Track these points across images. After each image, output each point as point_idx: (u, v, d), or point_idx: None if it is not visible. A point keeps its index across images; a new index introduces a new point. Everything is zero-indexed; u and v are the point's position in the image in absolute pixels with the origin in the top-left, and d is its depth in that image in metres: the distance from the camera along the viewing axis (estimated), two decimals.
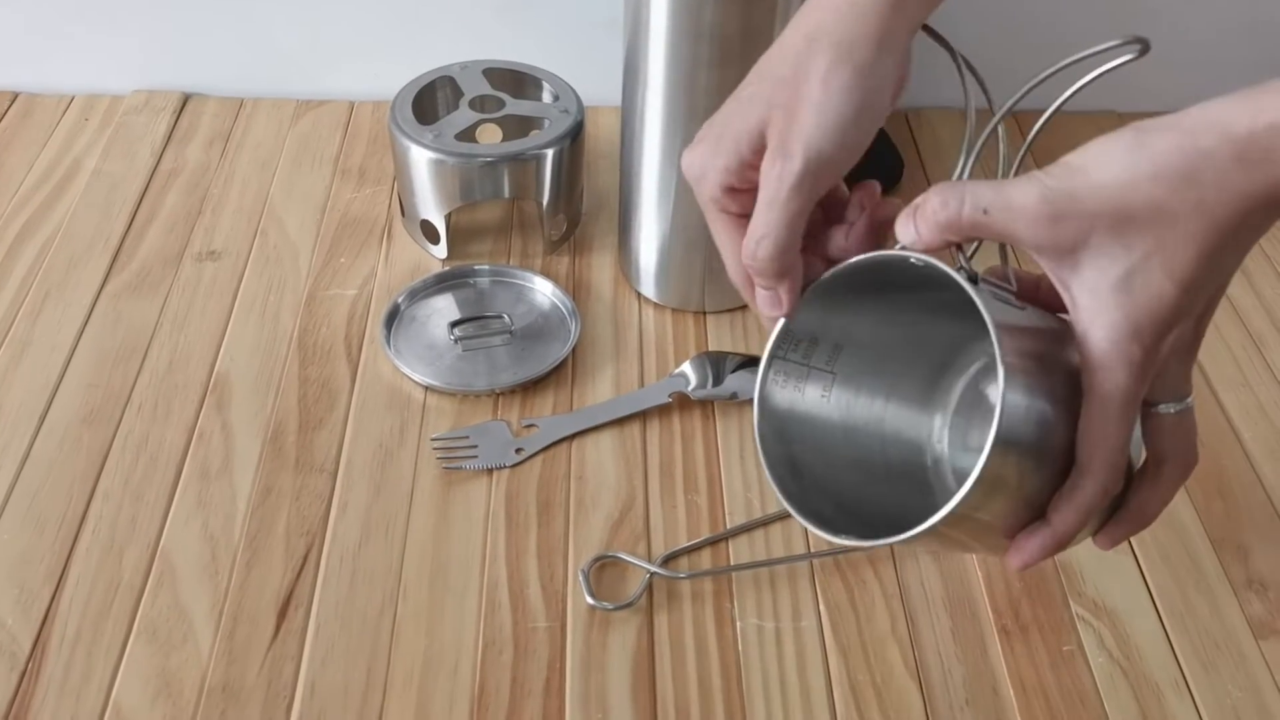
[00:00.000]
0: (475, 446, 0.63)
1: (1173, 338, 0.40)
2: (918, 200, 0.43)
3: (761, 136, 0.45)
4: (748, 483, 0.62)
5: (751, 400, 0.47)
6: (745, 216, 0.46)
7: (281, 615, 0.55)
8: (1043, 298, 0.44)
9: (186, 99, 0.88)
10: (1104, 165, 0.39)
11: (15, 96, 0.87)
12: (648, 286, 0.72)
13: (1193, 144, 0.38)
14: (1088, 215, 0.39)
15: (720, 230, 0.48)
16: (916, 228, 0.42)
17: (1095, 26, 0.87)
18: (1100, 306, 0.39)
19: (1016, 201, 0.40)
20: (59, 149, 0.83)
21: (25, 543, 0.57)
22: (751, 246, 0.45)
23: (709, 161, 0.46)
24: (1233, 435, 0.65)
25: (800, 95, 0.44)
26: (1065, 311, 0.41)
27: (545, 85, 0.76)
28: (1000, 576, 0.58)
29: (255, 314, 0.70)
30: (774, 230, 0.44)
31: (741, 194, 0.47)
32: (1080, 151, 0.40)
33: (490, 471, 0.62)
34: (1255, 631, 0.56)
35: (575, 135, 0.72)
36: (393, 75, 0.77)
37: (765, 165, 0.45)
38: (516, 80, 0.77)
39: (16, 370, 0.66)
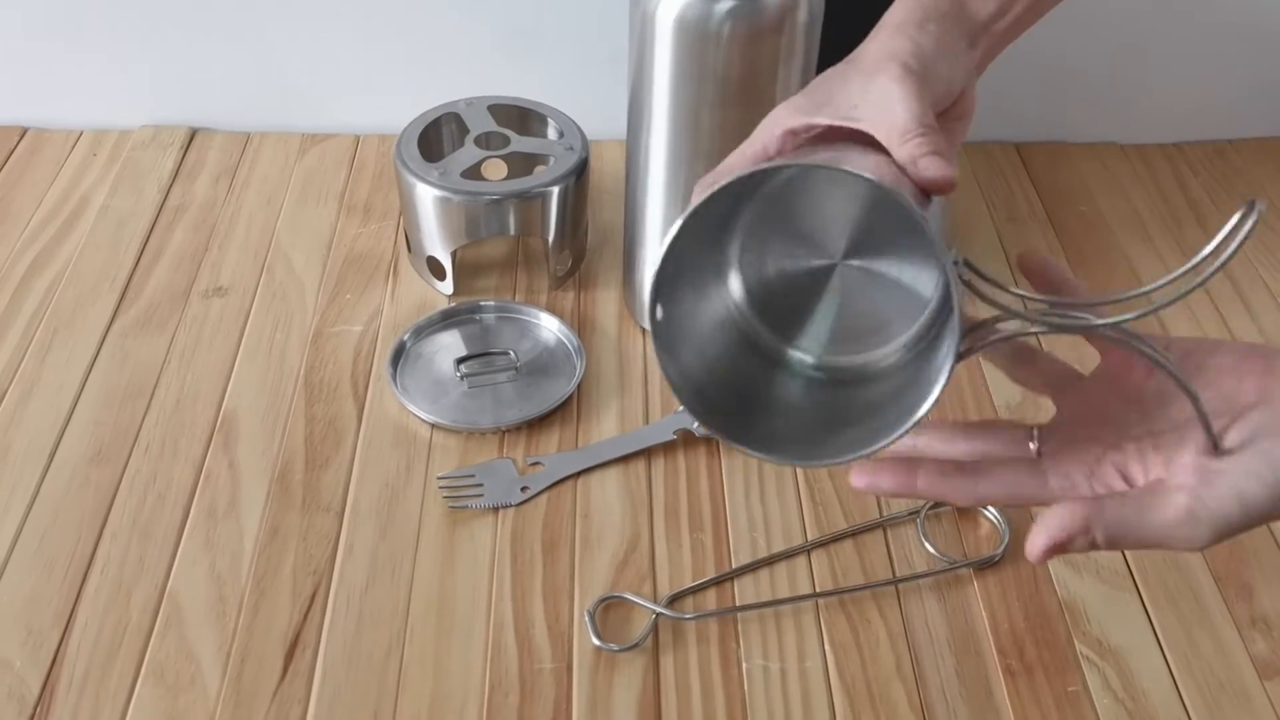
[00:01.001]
0: (481, 485, 0.63)
1: None
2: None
3: (836, 91, 0.48)
4: (753, 521, 0.62)
5: None
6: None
7: (289, 656, 0.55)
8: None
9: (193, 133, 0.88)
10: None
11: (24, 132, 0.88)
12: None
13: None
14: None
15: (749, 156, 0.49)
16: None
17: (1094, 52, 0.88)
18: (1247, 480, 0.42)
19: (1156, 529, 0.42)
20: (67, 184, 0.83)
21: (34, 583, 0.58)
22: (916, 123, 0.46)
23: (777, 113, 0.49)
24: None
25: (874, 61, 0.48)
26: None
27: (550, 122, 0.77)
28: (1005, 616, 0.58)
29: (262, 351, 0.71)
30: (915, 108, 0.46)
31: (796, 137, 0.48)
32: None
33: (496, 510, 0.62)
34: (1260, 670, 0.56)
35: (580, 172, 0.73)
36: (398, 109, 0.77)
37: (876, 91, 0.47)
38: (522, 117, 0.77)
39: (25, 409, 0.66)
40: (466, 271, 0.76)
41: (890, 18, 0.51)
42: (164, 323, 0.72)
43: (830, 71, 0.50)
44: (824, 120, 0.48)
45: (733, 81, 0.62)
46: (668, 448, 0.65)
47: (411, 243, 0.75)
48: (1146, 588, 0.59)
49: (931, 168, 0.45)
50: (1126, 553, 0.61)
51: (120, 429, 0.66)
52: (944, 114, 0.49)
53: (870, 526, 0.62)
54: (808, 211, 0.48)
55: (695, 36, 0.61)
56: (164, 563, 0.59)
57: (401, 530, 0.61)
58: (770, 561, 0.60)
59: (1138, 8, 0.86)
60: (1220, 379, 0.44)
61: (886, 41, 0.49)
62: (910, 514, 0.62)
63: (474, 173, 0.73)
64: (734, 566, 0.60)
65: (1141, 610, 0.58)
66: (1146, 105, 0.90)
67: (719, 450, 0.66)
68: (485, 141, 0.75)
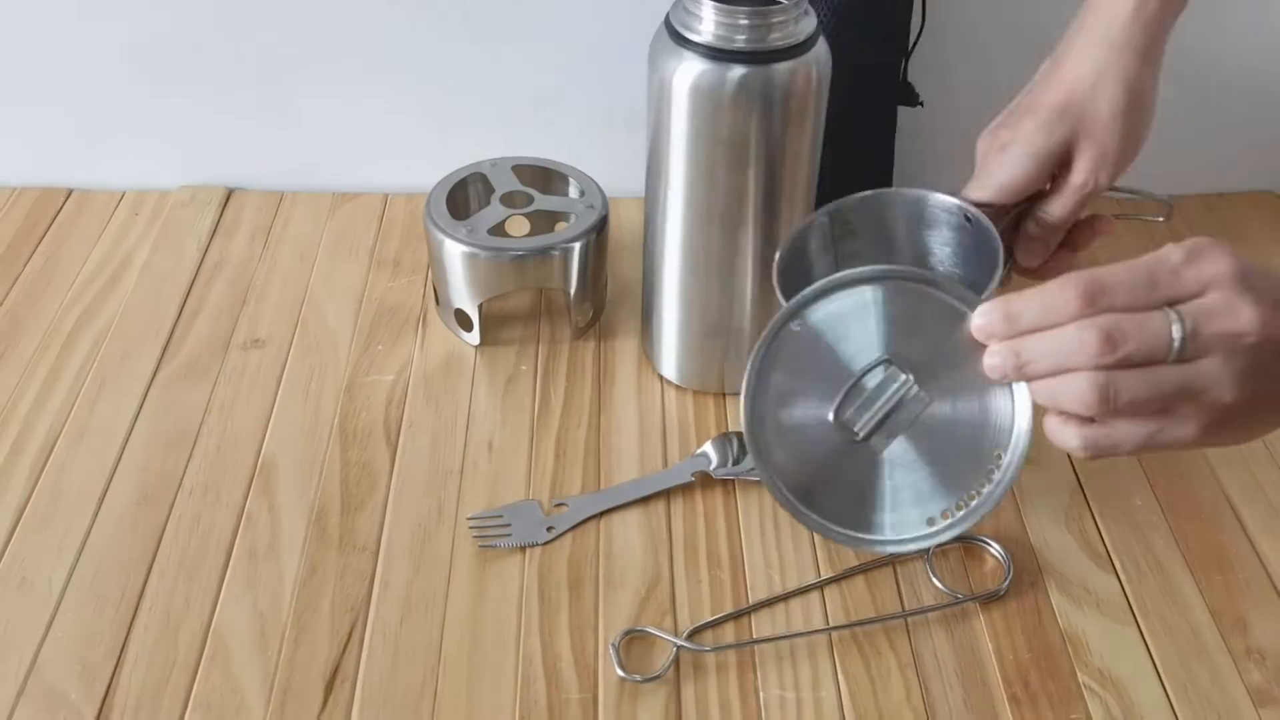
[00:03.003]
0: (509, 525, 0.66)
1: None
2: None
3: (1066, 154, 0.61)
4: (768, 559, 0.65)
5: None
6: None
7: (328, 689, 0.58)
8: None
9: (230, 193, 0.93)
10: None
11: (69, 193, 0.92)
12: (670, 369, 0.76)
13: None
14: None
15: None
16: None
17: None
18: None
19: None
20: (111, 243, 0.87)
21: (88, 620, 0.61)
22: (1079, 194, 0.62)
23: (1009, 161, 0.62)
24: (1231, 511, 0.68)
25: (1099, 126, 0.60)
26: None
27: (572, 181, 0.81)
28: (1010, 647, 0.60)
29: (298, 400, 0.74)
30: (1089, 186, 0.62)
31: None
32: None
33: (523, 549, 0.65)
34: (1255, 700, 0.58)
35: (600, 229, 0.77)
36: (424, 169, 0.81)
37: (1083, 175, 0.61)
38: (545, 176, 0.81)
39: (76, 455, 0.70)
40: (492, 323, 0.79)
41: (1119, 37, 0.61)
42: (205, 373, 0.76)
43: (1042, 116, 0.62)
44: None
45: (746, 144, 0.65)
46: (686, 489, 0.69)
47: (440, 296, 0.79)
48: (1146, 621, 0.62)
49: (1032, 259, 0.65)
50: (1127, 588, 0.63)
51: (165, 474, 0.69)
52: None
53: (880, 563, 0.64)
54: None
55: (709, 102, 0.65)
56: (209, 601, 0.62)
57: (433, 568, 0.64)
58: (785, 597, 0.63)
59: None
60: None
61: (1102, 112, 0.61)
62: (918, 551, 0.65)
63: (499, 230, 0.77)
64: (751, 602, 0.62)
65: (1141, 642, 0.61)
66: (1140, 158, 0.94)
67: (735, 492, 0.69)
68: (510, 200, 0.79)
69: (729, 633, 0.61)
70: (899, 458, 0.57)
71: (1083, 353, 0.46)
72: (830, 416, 0.56)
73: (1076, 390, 0.46)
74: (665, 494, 0.68)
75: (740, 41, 0.63)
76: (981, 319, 0.50)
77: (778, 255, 0.63)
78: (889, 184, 0.83)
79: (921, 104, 0.83)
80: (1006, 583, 0.63)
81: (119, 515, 0.66)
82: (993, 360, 0.50)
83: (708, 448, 0.70)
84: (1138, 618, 0.62)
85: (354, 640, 0.60)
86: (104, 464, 0.69)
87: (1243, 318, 0.45)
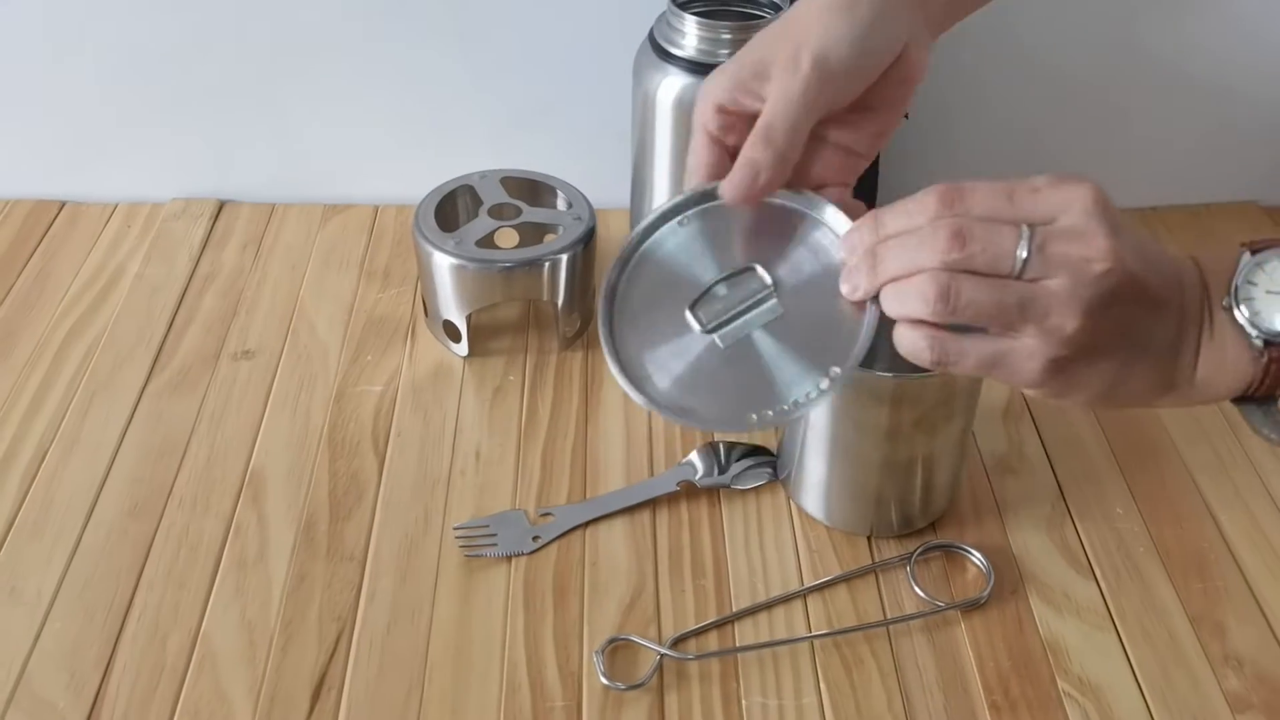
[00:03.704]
0: (495, 535, 0.67)
1: None
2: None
3: (761, 63, 0.51)
4: (752, 567, 0.65)
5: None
6: (722, 145, 0.52)
7: (315, 697, 0.59)
8: None
9: (221, 206, 0.93)
10: None
11: (62, 205, 0.93)
12: None
13: None
14: None
15: (698, 147, 0.53)
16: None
17: (1072, 116, 0.92)
18: None
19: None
20: (103, 255, 0.88)
21: (76, 630, 0.61)
22: (762, 130, 0.50)
23: (708, 85, 0.52)
24: (1210, 518, 0.69)
25: (803, 28, 0.51)
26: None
27: (559, 193, 0.82)
28: (990, 655, 0.61)
29: (288, 410, 0.75)
30: (784, 118, 0.50)
31: (731, 117, 0.52)
32: None
33: (509, 559, 0.66)
34: (1232, 705, 0.59)
35: (587, 240, 0.77)
36: (414, 181, 0.82)
37: (775, 81, 0.50)
38: (532, 189, 0.82)
39: (66, 466, 0.70)
40: (481, 333, 0.80)
41: None
42: (195, 384, 0.77)
43: (765, 32, 0.53)
44: (747, 104, 0.51)
45: None
46: (671, 499, 0.69)
47: (429, 307, 0.80)
48: (1125, 627, 0.62)
49: (728, 185, 0.51)
50: (1107, 595, 0.64)
51: (155, 485, 0.69)
52: (882, 78, 0.52)
53: (863, 571, 0.65)
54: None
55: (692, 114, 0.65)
56: (197, 609, 0.63)
57: (420, 578, 0.64)
58: (769, 605, 0.63)
59: (1115, 72, 0.90)
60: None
61: (815, 11, 0.52)
62: (900, 559, 0.66)
63: (488, 241, 0.78)
64: (734, 610, 0.63)
65: (1120, 649, 0.62)
66: (1124, 169, 0.95)
67: (720, 501, 0.69)
68: (498, 212, 0.80)
69: (712, 641, 0.62)
70: (740, 353, 0.54)
71: (931, 248, 0.46)
72: (686, 311, 0.54)
73: (920, 288, 0.46)
74: (651, 503, 0.69)
75: (723, 55, 0.64)
76: (853, 232, 0.50)
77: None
78: (874, 197, 0.83)
79: (907, 116, 0.84)
80: (988, 590, 0.64)
81: (109, 525, 0.67)
82: (851, 264, 0.50)
83: (693, 457, 0.71)
84: (1117, 625, 0.63)
85: (341, 648, 0.61)
86: (94, 474, 0.70)
87: (1093, 245, 0.44)
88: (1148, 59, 0.89)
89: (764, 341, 0.52)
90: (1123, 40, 0.88)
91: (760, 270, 0.53)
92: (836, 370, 0.50)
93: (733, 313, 0.53)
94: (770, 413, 0.51)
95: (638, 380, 0.52)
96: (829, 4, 0.51)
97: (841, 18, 0.50)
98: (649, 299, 0.54)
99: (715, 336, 0.53)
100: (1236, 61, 0.90)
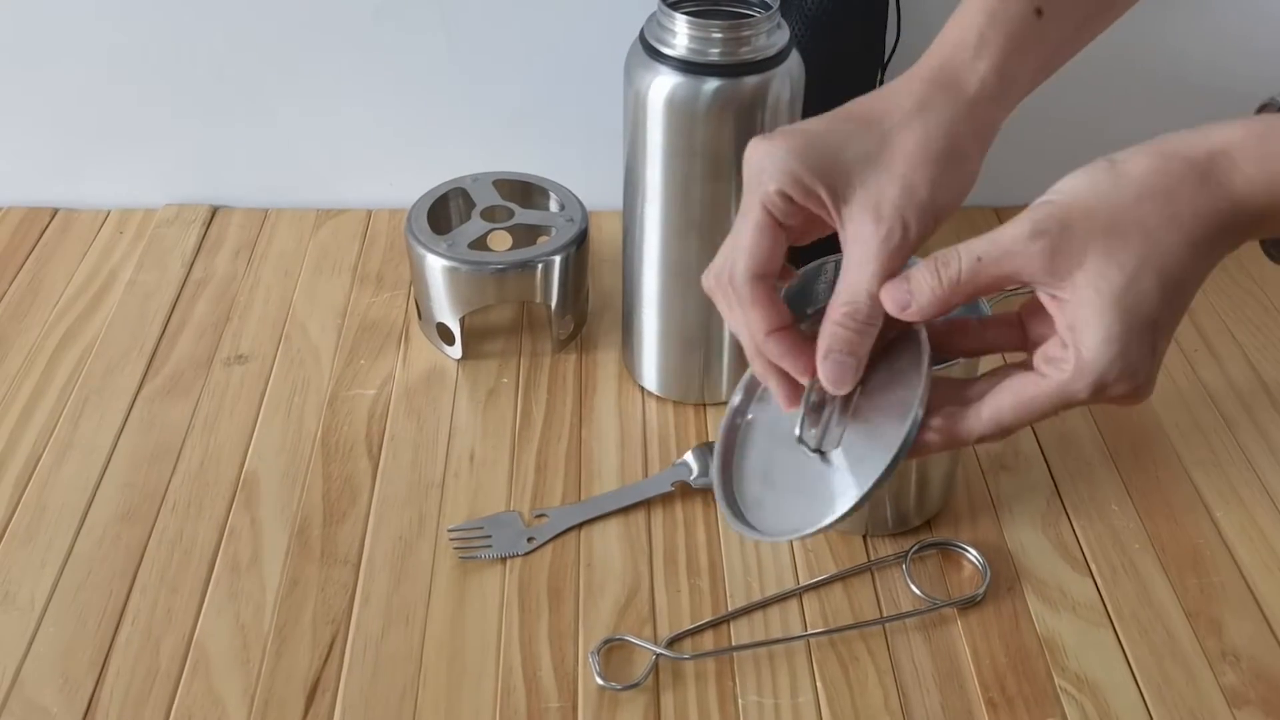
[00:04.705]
0: (489, 537, 0.66)
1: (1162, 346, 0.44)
2: (907, 273, 0.46)
3: (842, 170, 0.47)
4: (747, 566, 0.65)
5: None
6: (779, 225, 0.48)
7: (309, 700, 0.58)
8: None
9: (214, 211, 0.93)
10: (1088, 192, 0.43)
11: (55, 212, 0.93)
12: (650, 380, 0.76)
13: (1165, 166, 0.42)
14: (1080, 240, 0.42)
15: (752, 228, 0.48)
16: (914, 299, 0.45)
17: (1063, 116, 0.92)
18: (1099, 320, 0.42)
19: (1008, 242, 0.43)
20: (96, 261, 0.88)
21: (69, 634, 0.61)
22: (848, 310, 0.46)
23: (781, 162, 0.47)
24: (1206, 514, 0.69)
25: (904, 163, 0.47)
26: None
27: (552, 195, 0.82)
28: (987, 652, 0.61)
29: (281, 415, 0.74)
30: (869, 286, 0.46)
31: (793, 205, 0.47)
32: (1060, 185, 0.44)
33: (504, 560, 0.65)
34: (1230, 701, 0.59)
35: (580, 242, 0.77)
36: (407, 184, 0.82)
37: (861, 228, 0.46)
38: (525, 191, 0.82)
39: (59, 471, 0.70)
40: (475, 337, 0.80)
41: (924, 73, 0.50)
42: (188, 389, 0.76)
43: (839, 124, 0.48)
44: (812, 209, 0.47)
45: (720, 156, 0.66)
46: (666, 499, 0.69)
47: (422, 310, 0.79)
48: (1121, 624, 0.62)
49: (829, 373, 0.46)
50: (1103, 591, 0.64)
51: (149, 489, 0.69)
52: None
53: (859, 570, 0.65)
54: None
55: (684, 115, 0.65)
56: (191, 614, 0.62)
57: (414, 580, 0.64)
58: (764, 604, 0.63)
59: (1109, 74, 0.90)
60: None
61: (915, 148, 0.47)
62: (896, 557, 0.65)
63: (480, 244, 0.78)
64: (730, 609, 0.63)
65: (1117, 645, 0.61)
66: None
67: (714, 501, 0.69)
68: (491, 214, 0.80)
69: (708, 640, 0.62)
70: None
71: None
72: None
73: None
74: (645, 504, 0.69)
75: (714, 55, 0.64)
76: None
77: (783, 291, 0.55)
78: None
79: None
80: (984, 588, 0.64)
81: (102, 529, 0.67)
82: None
83: (688, 457, 0.71)
84: (1114, 621, 0.63)
85: (335, 651, 0.61)
86: (88, 479, 0.70)
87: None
88: (1143, 58, 0.89)
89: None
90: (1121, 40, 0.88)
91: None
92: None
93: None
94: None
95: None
96: (937, 152, 0.47)
97: (950, 173, 0.47)
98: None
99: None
100: (1228, 67, 0.90)
